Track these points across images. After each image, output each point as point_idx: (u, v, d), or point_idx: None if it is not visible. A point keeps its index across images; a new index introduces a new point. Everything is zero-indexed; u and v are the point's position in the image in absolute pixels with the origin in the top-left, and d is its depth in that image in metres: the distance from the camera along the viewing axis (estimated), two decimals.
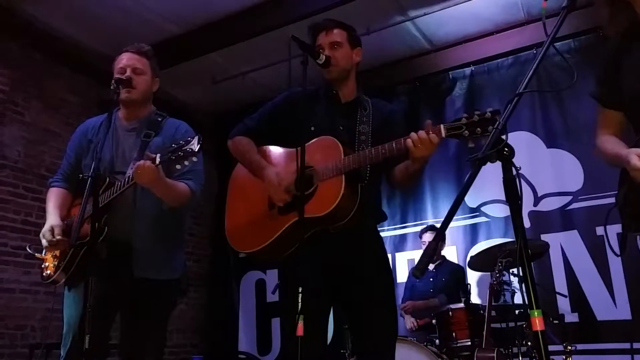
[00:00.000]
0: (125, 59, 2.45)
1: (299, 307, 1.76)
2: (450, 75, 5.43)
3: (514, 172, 1.45)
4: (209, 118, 6.35)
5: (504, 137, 1.46)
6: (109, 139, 2.42)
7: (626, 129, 1.81)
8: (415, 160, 1.99)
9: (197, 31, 4.85)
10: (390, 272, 2.32)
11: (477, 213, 5.03)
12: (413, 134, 1.92)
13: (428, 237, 4.69)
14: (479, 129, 1.77)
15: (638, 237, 1.72)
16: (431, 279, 4.62)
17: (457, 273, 4.63)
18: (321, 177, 2.07)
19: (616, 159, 1.72)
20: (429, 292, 4.56)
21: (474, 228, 5.06)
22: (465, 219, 5.11)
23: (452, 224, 5.00)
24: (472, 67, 5.30)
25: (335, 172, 2.05)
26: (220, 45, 4.81)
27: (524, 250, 1.37)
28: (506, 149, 1.45)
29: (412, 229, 5.34)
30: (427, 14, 4.71)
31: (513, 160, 1.46)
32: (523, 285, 1.40)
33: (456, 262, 4.91)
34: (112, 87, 2.30)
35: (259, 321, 5.82)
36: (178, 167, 2.07)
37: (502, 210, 4.84)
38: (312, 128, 2.21)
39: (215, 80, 5.51)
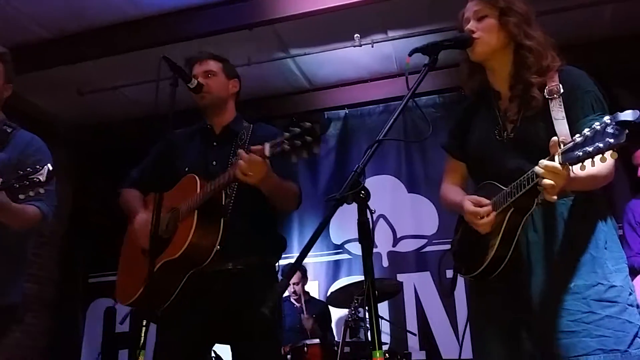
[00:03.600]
0: None
1: (142, 341, 1.67)
2: (326, 115, 5.60)
3: (369, 215, 1.50)
4: (73, 130, 5.90)
5: (361, 180, 1.52)
6: None
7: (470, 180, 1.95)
8: (254, 184, 1.94)
9: (67, 38, 4.51)
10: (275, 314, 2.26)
11: (341, 250, 5.17)
12: (239, 160, 1.88)
13: (294, 278, 4.70)
14: (297, 141, 1.76)
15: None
16: (299, 315, 4.64)
17: (324, 311, 4.69)
18: (180, 218, 2.02)
19: (453, 206, 1.85)
20: (295, 327, 4.56)
21: (336, 264, 5.18)
22: (329, 255, 5.22)
23: (316, 260, 5.16)
24: (347, 110, 5.53)
25: (189, 210, 2.01)
26: (91, 56, 4.51)
27: (371, 292, 1.42)
28: (362, 192, 1.50)
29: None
30: (308, 54, 4.84)
31: (369, 203, 1.52)
32: (370, 324, 1.45)
33: (317, 296, 4.98)
34: None
35: (104, 352, 5.39)
36: (22, 197, 1.87)
37: None
38: (186, 169, 2.17)
39: (82, 91, 5.16)
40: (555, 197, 1.41)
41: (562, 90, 1.62)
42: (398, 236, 5.07)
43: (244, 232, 2.10)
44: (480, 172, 1.84)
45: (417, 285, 4.83)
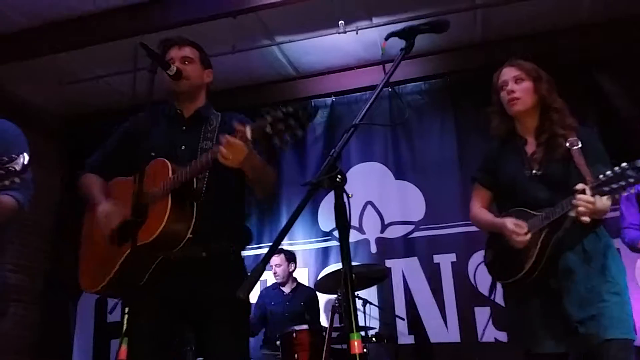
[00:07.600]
0: None
1: (124, 329, 1.67)
2: (313, 103, 5.57)
3: (345, 199, 1.52)
4: (58, 121, 5.87)
5: (338, 164, 1.53)
6: None
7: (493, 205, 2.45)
8: (235, 166, 1.90)
9: (48, 27, 4.46)
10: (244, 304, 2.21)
11: (329, 237, 5.19)
12: (222, 142, 1.84)
13: (276, 260, 4.71)
14: (281, 125, 1.74)
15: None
16: (287, 303, 4.66)
17: (313, 298, 4.71)
18: (152, 201, 1.96)
19: (491, 226, 2.32)
20: (285, 315, 4.58)
21: (325, 251, 5.20)
22: (318, 242, 5.24)
23: (305, 247, 5.18)
24: (333, 98, 5.51)
25: (162, 193, 1.97)
26: (73, 45, 4.47)
27: (348, 275, 1.44)
28: (339, 177, 1.51)
29: (267, 250, 5.32)
30: (293, 42, 4.82)
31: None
32: (346, 307, 1.47)
33: (307, 283, 5.00)
34: None
35: (96, 343, 5.39)
36: None
37: (352, 235, 5.04)
38: (153, 154, 2.12)
39: (65, 81, 5.11)
40: (588, 219, 1.94)
41: (580, 144, 2.14)
42: (386, 222, 5.09)
43: (212, 218, 2.06)
44: (509, 200, 2.29)
45: (405, 270, 4.86)
